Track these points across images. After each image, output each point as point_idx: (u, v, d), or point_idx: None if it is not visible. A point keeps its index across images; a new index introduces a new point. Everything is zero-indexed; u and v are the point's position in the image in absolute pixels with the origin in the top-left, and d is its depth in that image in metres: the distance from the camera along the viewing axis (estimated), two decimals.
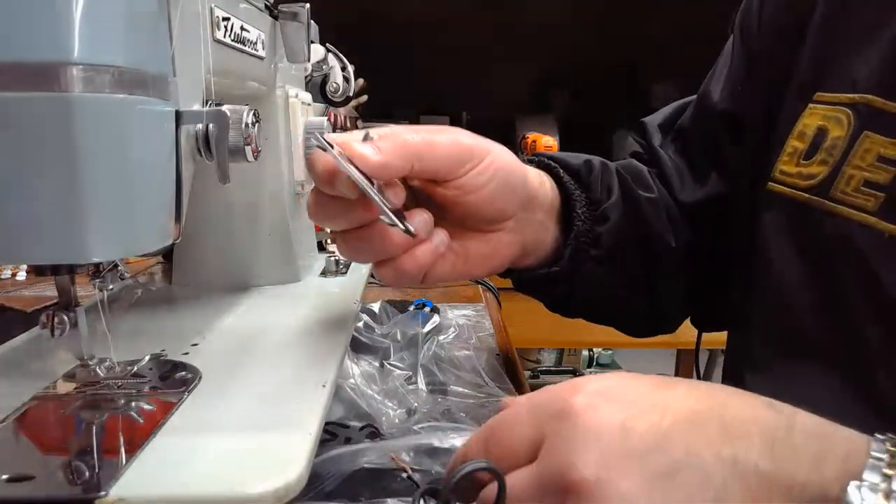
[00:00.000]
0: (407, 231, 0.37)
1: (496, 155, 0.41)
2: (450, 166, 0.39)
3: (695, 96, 0.57)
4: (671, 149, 0.56)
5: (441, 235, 0.40)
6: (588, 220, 0.48)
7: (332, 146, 0.34)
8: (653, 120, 0.59)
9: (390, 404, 0.53)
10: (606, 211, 0.48)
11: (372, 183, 0.35)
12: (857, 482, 0.24)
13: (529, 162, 0.50)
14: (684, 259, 0.53)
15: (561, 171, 0.49)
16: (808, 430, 0.26)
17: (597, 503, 0.25)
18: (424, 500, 0.30)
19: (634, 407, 0.27)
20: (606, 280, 0.50)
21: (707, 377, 1.55)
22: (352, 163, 0.34)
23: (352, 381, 0.53)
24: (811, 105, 0.42)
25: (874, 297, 0.36)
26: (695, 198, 0.53)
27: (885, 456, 0.24)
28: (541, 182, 0.47)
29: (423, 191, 0.41)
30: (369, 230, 0.38)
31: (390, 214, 0.36)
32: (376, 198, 0.35)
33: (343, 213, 0.38)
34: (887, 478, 0.24)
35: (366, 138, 0.36)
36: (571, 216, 0.48)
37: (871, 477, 0.24)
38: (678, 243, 0.52)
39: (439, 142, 0.38)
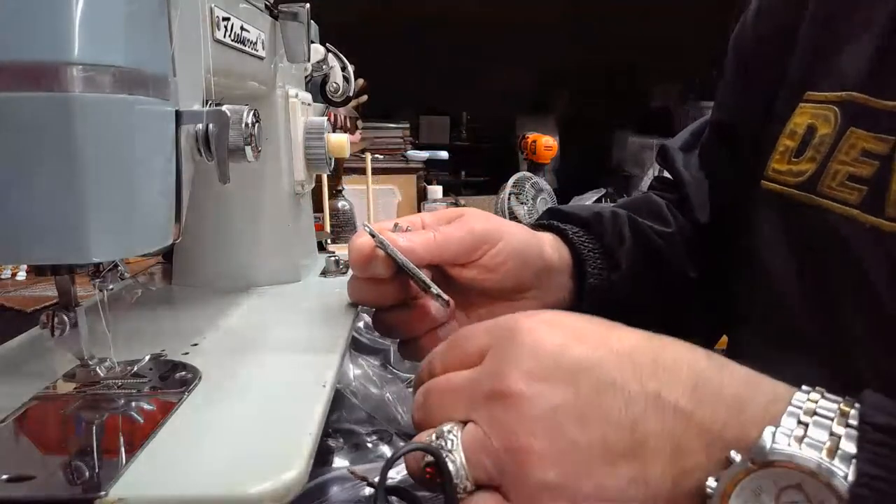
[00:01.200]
0: (447, 302, 0.43)
1: (510, 236, 0.46)
2: (467, 252, 0.45)
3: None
4: (695, 167, 0.59)
5: (453, 325, 0.47)
6: (602, 273, 0.51)
7: (377, 235, 0.43)
8: (674, 143, 0.63)
9: (401, 409, 0.53)
10: (619, 258, 0.52)
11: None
12: (773, 427, 0.25)
13: (540, 224, 0.54)
14: (707, 286, 0.55)
15: (570, 233, 0.52)
16: (736, 376, 0.27)
17: (518, 412, 0.27)
18: (375, 498, 0.30)
19: (575, 334, 0.29)
20: (625, 320, 0.53)
21: None
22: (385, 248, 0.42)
23: (353, 385, 0.53)
24: (801, 104, 0.43)
25: (858, 288, 0.37)
26: (707, 216, 0.56)
27: (803, 405, 0.25)
28: (554, 248, 0.51)
29: (450, 273, 0.46)
30: (401, 310, 0.46)
31: (430, 283, 0.42)
32: (419, 272, 0.42)
33: (378, 292, 0.45)
34: (803, 425, 0.25)
35: (395, 227, 0.45)
36: (585, 273, 0.51)
37: (787, 423, 0.25)
38: (699, 273, 0.55)
39: (454, 235, 0.45)
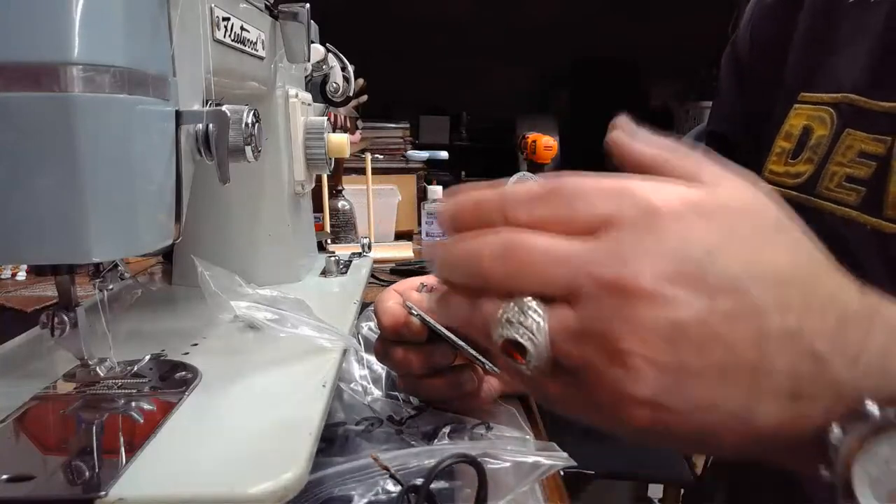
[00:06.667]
0: (491, 369, 0.43)
1: None
2: None
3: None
4: None
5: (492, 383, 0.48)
6: None
7: (416, 311, 0.43)
8: None
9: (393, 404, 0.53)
10: None
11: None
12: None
13: None
14: None
15: None
16: (886, 324, 0.24)
17: (636, 313, 0.22)
18: (408, 499, 0.30)
19: (730, 237, 0.24)
20: None
21: None
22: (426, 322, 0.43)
23: (353, 385, 0.53)
24: (797, 105, 0.44)
25: None
26: None
27: None
28: None
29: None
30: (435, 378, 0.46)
31: (475, 354, 0.42)
32: (463, 344, 0.42)
33: (411, 358, 0.45)
34: None
35: (421, 287, 0.45)
36: None
37: None
38: None
39: None
